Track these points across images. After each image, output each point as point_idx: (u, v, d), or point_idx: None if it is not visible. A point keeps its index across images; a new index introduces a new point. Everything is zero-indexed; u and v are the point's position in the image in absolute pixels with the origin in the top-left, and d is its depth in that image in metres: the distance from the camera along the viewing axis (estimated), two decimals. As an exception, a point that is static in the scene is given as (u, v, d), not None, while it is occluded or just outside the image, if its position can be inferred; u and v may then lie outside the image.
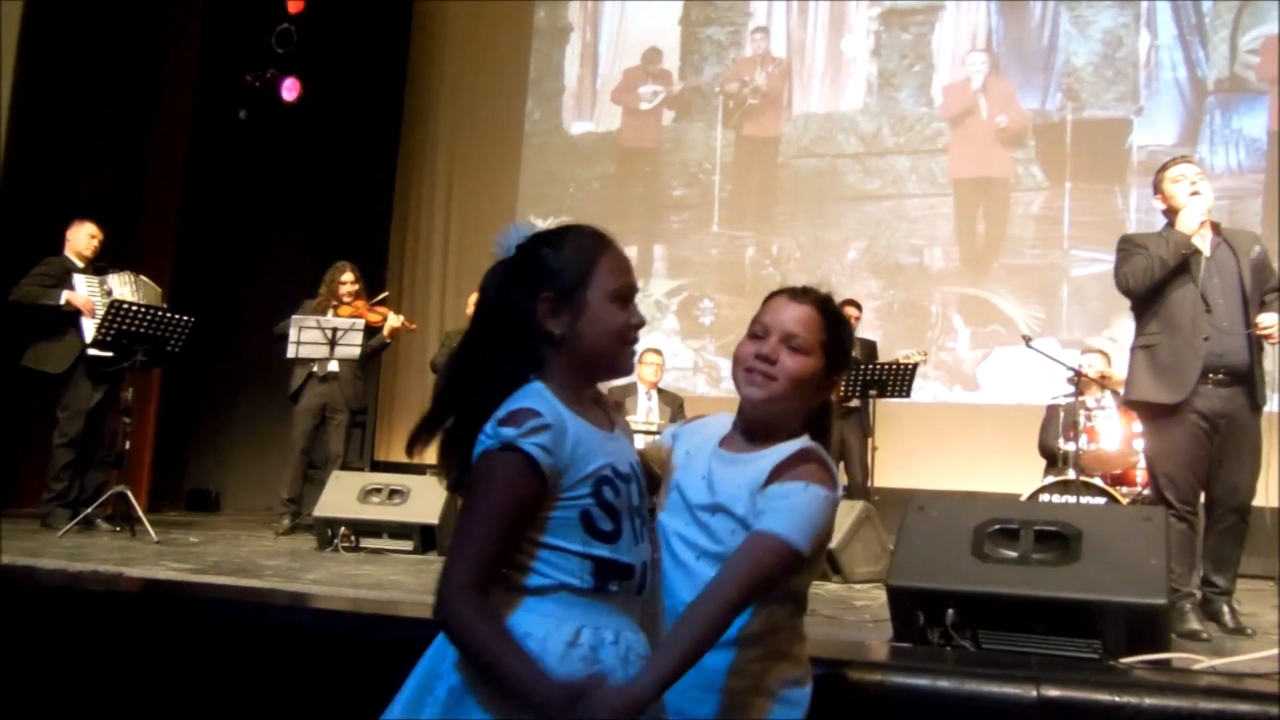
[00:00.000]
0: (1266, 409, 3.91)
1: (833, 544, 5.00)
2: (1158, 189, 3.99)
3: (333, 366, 6.23)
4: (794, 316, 1.72)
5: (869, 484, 6.65)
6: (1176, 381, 3.76)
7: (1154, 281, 3.80)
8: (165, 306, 6.01)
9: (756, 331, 1.73)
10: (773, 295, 1.79)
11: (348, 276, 6.40)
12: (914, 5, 8.16)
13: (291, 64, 8.37)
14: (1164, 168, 3.97)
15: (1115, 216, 7.48)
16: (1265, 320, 3.74)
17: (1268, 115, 7.33)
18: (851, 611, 4.04)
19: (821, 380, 1.74)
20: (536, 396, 1.48)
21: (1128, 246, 3.97)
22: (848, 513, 5.21)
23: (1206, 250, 3.86)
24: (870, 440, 6.74)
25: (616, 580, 1.51)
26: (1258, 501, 5.87)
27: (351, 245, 7.79)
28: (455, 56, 9.27)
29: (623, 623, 1.53)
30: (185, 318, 5.74)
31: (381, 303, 6.68)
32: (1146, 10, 7.64)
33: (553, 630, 1.45)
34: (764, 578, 1.56)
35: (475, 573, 1.41)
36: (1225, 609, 3.90)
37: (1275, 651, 2.67)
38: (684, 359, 8.23)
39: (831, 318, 1.76)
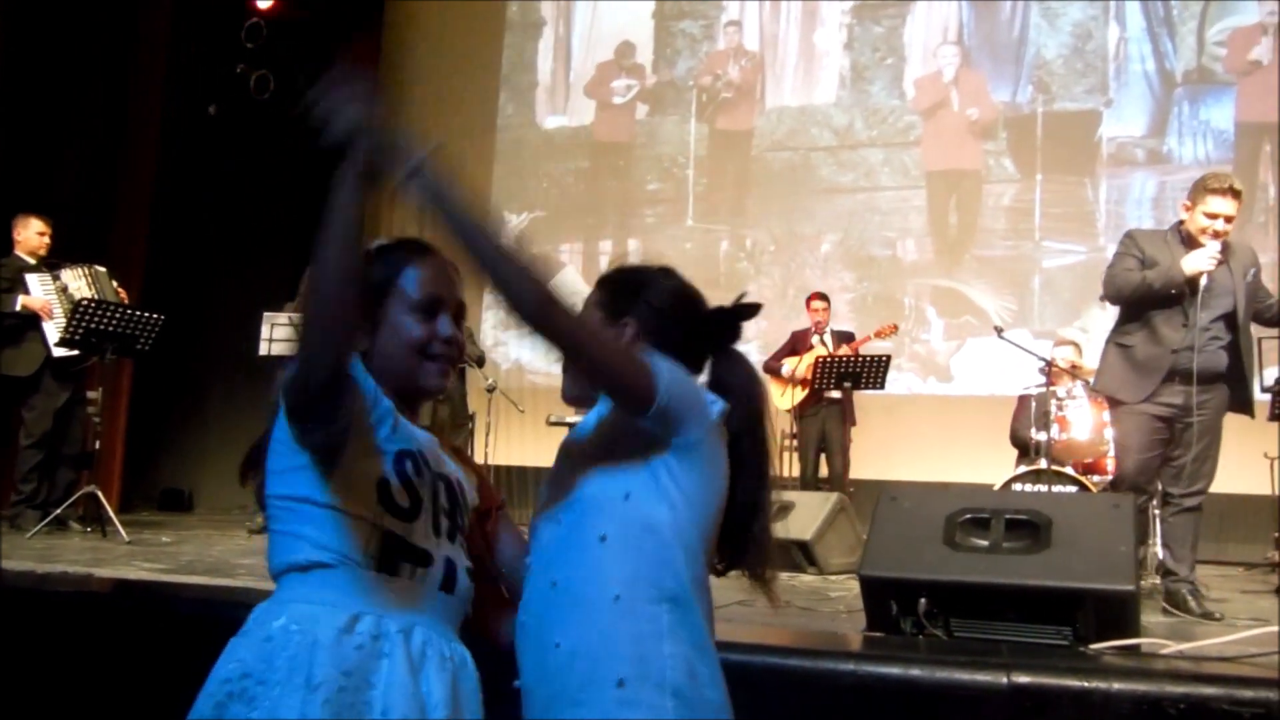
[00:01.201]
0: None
1: (808, 535, 5.04)
2: (1193, 199, 4.03)
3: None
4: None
5: (847, 475, 6.68)
6: (1142, 384, 4.03)
7: (1139, 300, 4.02)
8: (123, 299, 5.94)
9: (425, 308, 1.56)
10: None
11: None
12: (886, -2, 8.19)
13: (262, 59, 8.29)
14: (1206, 190, 3.99)
15: (1085, 208, 7.55)
16: None
17: (1234, 106, 7.41)
18: (826, 603, 4.06)
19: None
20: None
21: (1126, 248, 4.12)
22: (822, 504, 5.25)
23: (1207, 274, 3.97)
24: (851, 430, 6.77)
25: (409, 562, 1.40)
26: (1242, 490, 5.99)
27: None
28: (428, 51, 9.22)
29: (418, 618, 1.40)
30: (154, 315, 5.68)
31: None
32: (1115, 3, 7.70)
33: (323, 616, 1.34)
34: (611, 351, 1.46)
35: None
36: (1189, 596, 3.99)
37: (1240, 636, 2.70)
38: (659, 353, 8.23)
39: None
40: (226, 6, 8.24)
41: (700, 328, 1.58)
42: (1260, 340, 3.93)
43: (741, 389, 1.58)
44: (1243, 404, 4.12)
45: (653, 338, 1.54)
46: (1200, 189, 4.04)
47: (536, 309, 1.40)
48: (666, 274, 1.61)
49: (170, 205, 8.25)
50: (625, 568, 1.43)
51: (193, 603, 3.05)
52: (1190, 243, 4.01)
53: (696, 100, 8.53)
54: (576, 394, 1.62)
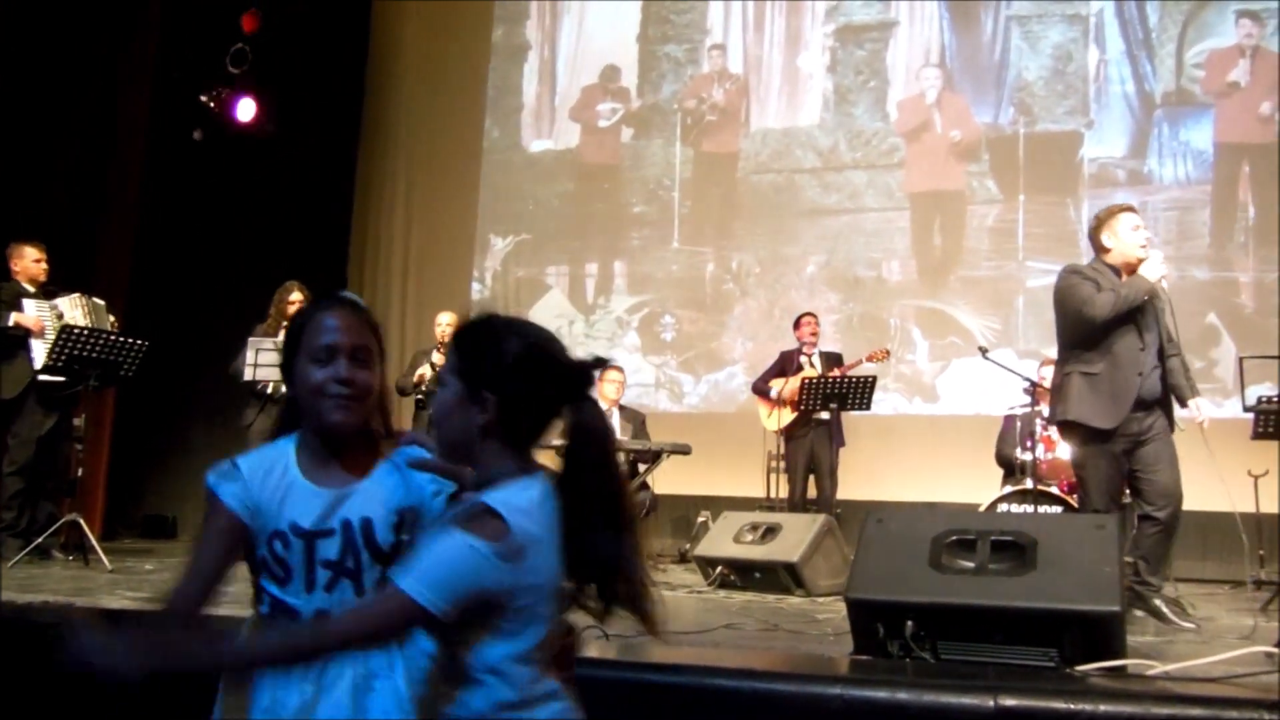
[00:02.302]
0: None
1: (794, 557, 5.04)
2: (1103, 229, 4.22)
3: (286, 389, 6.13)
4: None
5: (835, 496, 6.68)
6: (1114, 410, 4.08)
7: (1116, 317, 4.06)
8: (116, 330, 5.92)
9: (321, 357, 1.68)
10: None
11: (296, 296, 6.32)
12: (868, 21, 8.26)
13: (247, 84, 8.31)
14: (1115, 213, 4.23)
15: (1068, 228, 7.60)
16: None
17: (1213, 127, 7.49)
18: (814, 625, 4.05)
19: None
20: (263, 450, 1.71)
21: (1077, 277, 4.19)
22: (809, 526, 5.24)
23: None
24: (839, 451, 6.78)
25: (285, 616, 1.65)
26: (1225, 508, 6.02)
27: (310, 266, 7.72)
28: (413, 75, 9.26)
29: None
30: (139, 342, 5.65)
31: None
32: (1095, 25, 7.78)
33: None
34: (369, 624, 1.49)
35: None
36: (1161, 604, 4.07)
37: (1226, 656, 2.71)
38: (645, 375, 8.24)
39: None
40: (213, 32, 8.26)
41: (557, 384, 1.57)
42: (1241, 360, 3.97)
43: (592, 436, 1.56)
44: (1170, 426, 4.26)
45: (510, 404, 1.54)
46: (1108, 216, 4.24)
47: (301, 657, 1.54)
48: (520, 333, 1.59)
49: (155, 230, 8.24)
50: None
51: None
52: (1121, 272, 4.16)
53: (681, 123, 8.58)
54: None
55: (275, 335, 6.14)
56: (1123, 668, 2.69)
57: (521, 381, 1.54)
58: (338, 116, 8.97)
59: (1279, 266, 7.18)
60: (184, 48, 8.32)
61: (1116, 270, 4.18)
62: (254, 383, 6.00)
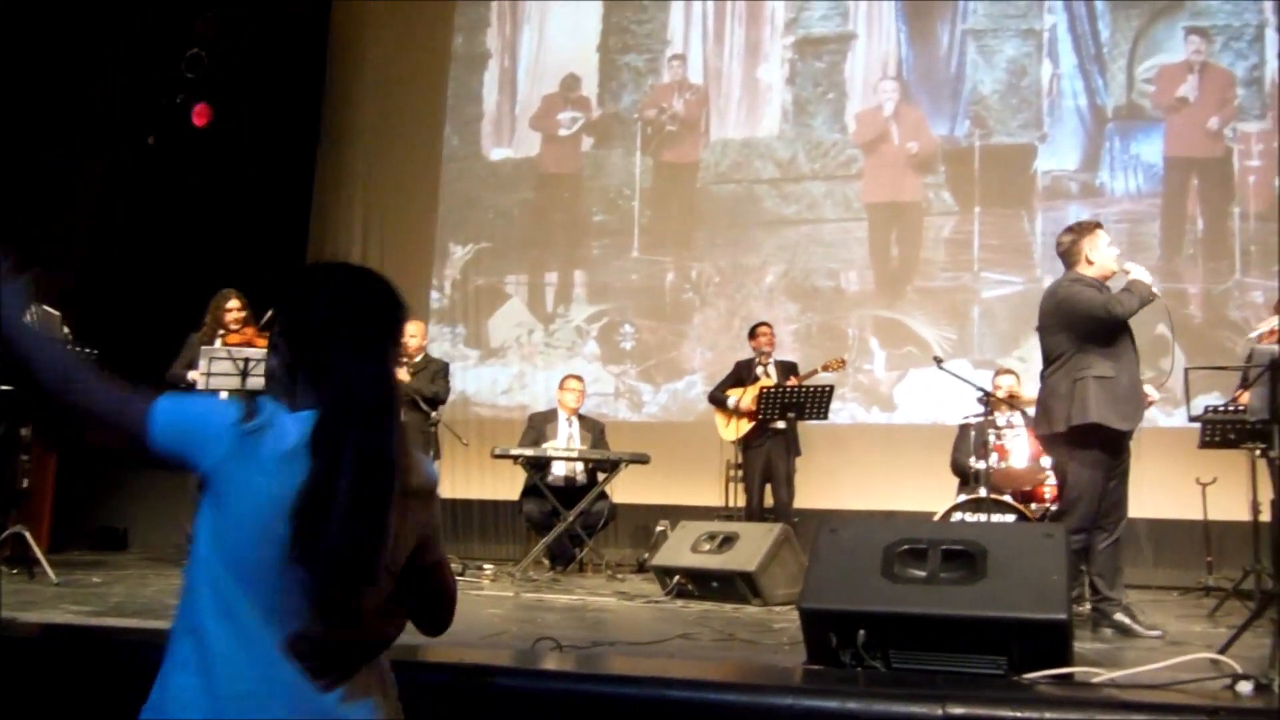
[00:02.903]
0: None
1: (751, 567, 5.05)
2: (1084, 242, 4.34)
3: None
4: None
5: (792, 505, 6.72)
6: (1132, 412, 4.20)
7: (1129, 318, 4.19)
8: (67, 335, 5.81)
9: None
10: None
11: (233, 304, 6.26)
12: (827, 34, 8.33)
13: (203, 89, 8.21)
14: (1093, 229, 4.38)
15: (1022, 240, 7.70)
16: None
17: (1163, 141, 7.63)
18: (769, 634, 4.06)
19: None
20: None
21: (1080, 285, 4.28)
22: (766, 536, 5.26)
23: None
24: (795, 460, 6.81)
25: None
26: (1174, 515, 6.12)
27: (265, 275, 7.62)
28: (372, 82, 9.20)
29: None
30: (88, 350, 5.55)
31: (270, 326, 6.50)
32: (1048, 40, 7.90)
33: None
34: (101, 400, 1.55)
35: None
36: (1124, 617, 4.12)
37: (1171, 662, 2.74)
38: (605, 384, 8.23)
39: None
40: (167, 37, 8.15)
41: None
42: (1187, 371, 4.05)
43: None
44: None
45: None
46: (1087, 231, 4.37)
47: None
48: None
49: (108, 238, 8.10)
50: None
51: (121, 646, 2.96)
52: (1101, 282, 4.29)
53: (642, 133, 8.59)
54: None
55: (211, 343, 6.07)
56: (1070, 675, 2.72)
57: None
58: (295, 123, 8.89)
59: (1227, 278, 7.34)
60: (138, 51, 8.20)
61: (1096, 280, 4.29)
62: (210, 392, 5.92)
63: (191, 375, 5.88)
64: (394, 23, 9.17)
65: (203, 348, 5.94)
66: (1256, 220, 7.38)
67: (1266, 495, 4.61)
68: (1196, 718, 2.18)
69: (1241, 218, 7.41)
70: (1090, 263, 4.32)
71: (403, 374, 6.46)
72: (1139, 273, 4.25)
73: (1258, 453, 4.96)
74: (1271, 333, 4.46)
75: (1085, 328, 4.22)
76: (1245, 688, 2.53)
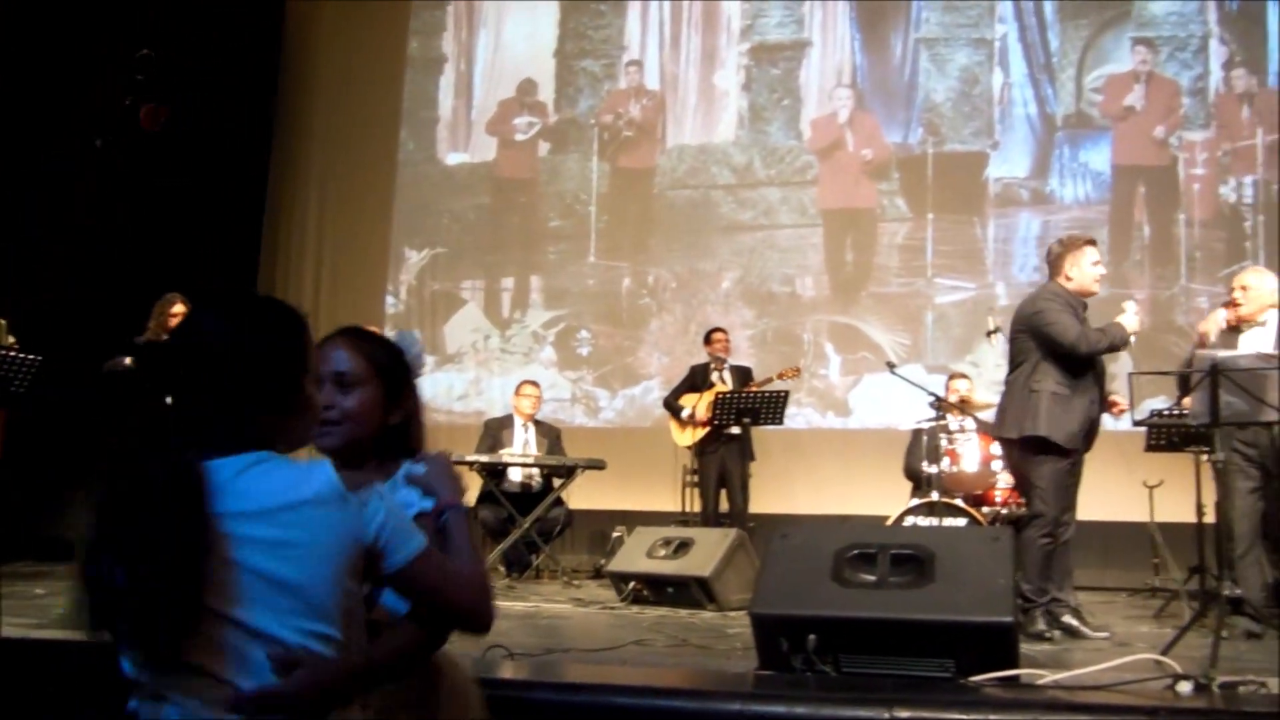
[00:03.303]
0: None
1: (706, 572, 5.05)
2: (1068, 257, 4.41)
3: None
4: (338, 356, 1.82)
5: (748, 510, 6.74)
6: (1080, 435, 4.29)
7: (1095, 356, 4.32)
8: (16, 349, 5.69)
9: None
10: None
11: (179, 308, 6.18)
12: (782, 41, 8.39)
13: (153, 91, 8.08)
14: (1080, 245, 4.44)
15: (974, 246, 7.80)
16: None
17: (1111, 150, 7.76)
18: (723, 640, 4.06)
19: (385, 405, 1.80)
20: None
21: (1058, 303, 4.34)
22: (721, 541, 5.26)
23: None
24: (750, 465, 6.84)
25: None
26: (1122, 517, 6.22)
27: (217, 279, 7.54)
28: (327, 86, 9.12)
29: None
30: (31, 357, 5.45)
31: None
32: (999, 49, 8.01)
33: None
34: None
35: None
36: (1073, 619, 4.20)
37: (1115, 663, 2.78)
38: (561, 390, 8.21)
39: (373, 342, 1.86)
40: (117, 38, 8.02)
41: None
42: (1131, 376, 4.14)
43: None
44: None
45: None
46: (1074, 246, 4.42)
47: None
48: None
49: (56, 243, 7.95)
50: None
51: (62, 660, 2.90)
52: (1080, 299, 4.38)
53: (598, 138, 8.59)
54: None
55: None
56: (1016, 677, 2.75)
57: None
58: (248, 126, 8.78)
59: (1173, 284, 7.48)
60: (86, 51, 8.06)
61: (1075, 295, 4.38)
62: None
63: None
64: (348, 26, 9.10)
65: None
66: (1201, 227, 7.54)
67: (1211, 497, 4.70)
68: (1137, 718, 2.21)
69: (1187, 224, 7.57)
70: (1069, 278, 4.40)
71: None
72: (1127, 319, 4.31)
73: (1203, 456, 5.05)
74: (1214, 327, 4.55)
75: (1049, 346, 4.31)
76: (1185, 688, 2.57)
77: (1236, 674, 2.91)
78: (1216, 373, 3.62)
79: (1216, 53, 7.72)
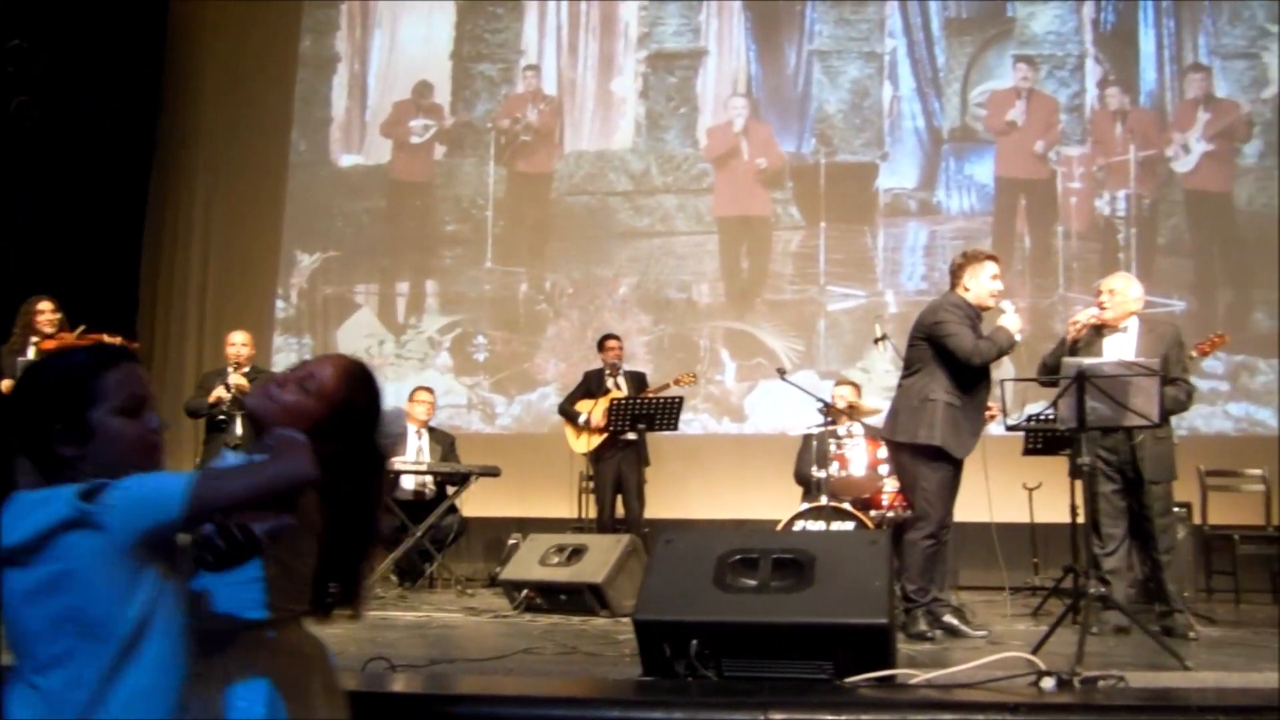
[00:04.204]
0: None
1: (599, 578, 5.05)
2: (968, 268, 4.56)
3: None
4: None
5: (643, 516, 6.76)
6: (971, 443, 4.48)
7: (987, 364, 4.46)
8: None
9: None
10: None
11: (45, 305, 5.95)
12: (679, 49, 8.45)
13: (26, 84, 7.72)
14: (981, 259, 4.59)
15: (865, 255, 7.98)
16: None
17: (994, 163, 8.03)
18: (613, 646, 4.06)
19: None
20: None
21: (957, 314, 4.46)
22: (614, 547, 5.27)
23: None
24: (645, 471, 6.86)
25: None
26: (1005, 519, 6.41)
27: (96, 283, 7.25)
28: (214, 83, 8.85)
29: None
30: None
31: (90, 332, 6.17)
32: (889, 63, 8.22)
33: None
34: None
35: None
36: (953, 619, 4.32)
37: (986, 661, 2.87)
38: (457, 396, 8.12)
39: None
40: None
41: None
42: (1003, 382, 4.29)
43: None
44: None
45: None
46: (976, 260, 4.56)
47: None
48: None
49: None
50: None
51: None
52: (976, 310, 4.52)
53: (495, 142, 8.53)
54: None
55: (24, 352, 5.76)
56: (891, 677, 2.81)
57: None
58: (129, 123, 8.46)
59: (1052, 293, 7.77)
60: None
61: (973, 308, 4.51)
62: None
63: None
64: (237, 22, 8.84)
65: (18, 360, 5.61)
66: (1078, 239, 7.86)
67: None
68: (1000, 714, 2.28)
69: (1065, 236, 7.87)
70: (967, 289, 4.54)
71: (242, 380, 6.22)
72: (1008, 320, 4.46)
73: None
74: (1083, 327, 4.72)
75: (946, 356, 4.43)
76: (1049, 684, 2.66)
77: (1102, 669, 3.03)
78: (1083, 379, 3.76)
79: (1092, 71, 8.06)
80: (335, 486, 1.80)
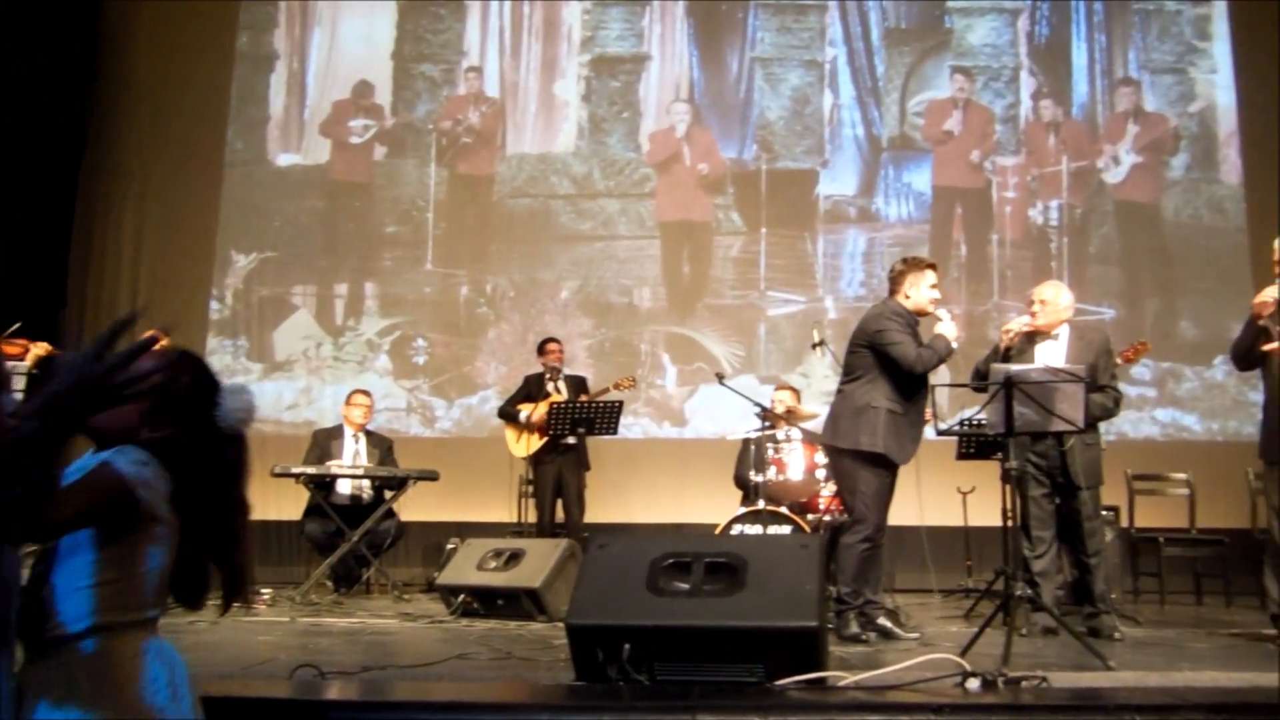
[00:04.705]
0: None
1: (536, 583, 5.03)
2: (908, 277, 4.62)
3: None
4: None
5: (583, 520, 6.74)
6: (911, 449, 4.53)
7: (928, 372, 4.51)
8: None
9: None
10: None
11: None
12: (622, 54, 8.47)
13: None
14: (921, 268, 4.65)
15: (805, 260, 8.05)
16: None
17: (931, 171, 8.16)
18: (548, 651, 4.04)
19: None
20: None
21: (898, 322, 4.53)
22: (552, 551, 5.25)
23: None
24: (585, 475, 6.85)
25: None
26: (939, 522, 6.50)
27: (23, 281, 7.07)
28: (148, 80, 8.65)
29: None
30: None
31: (16, 335, 6.00)
32: (830, 72, 8.32)
33: None
34: None
35: None
36: (887, 621, 4.39)
37: (914, 662, 2.90)
38: (397, 399, 8.04)
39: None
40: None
41: None
42: (935, 387, 4.36)
43: None
44: None
45: None
46: (916, 268, 4.63)
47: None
48: None
49: None
50: None
51: None
52: (915, 318, 4.59)
53: (436, 144, 8.47)
54: None
55: None
56: (821, 679, 2.83)
57: None
58: (58, 119, 8.25)
59: (987, 300, 7.91)
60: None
61: (912, 315, 4.58)
62: None
63: None
64: (172, 16, 8.66)
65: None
66: (1012, 247, 8.02)
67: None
68: (925, 715, 2.31)
69: (999, 244, 8.03)
70: (907, 297, 4.61)
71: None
72: (945, 327, 4.54)
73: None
74: (1015, 334, 4.81)
75: (888, 364, 4.49)
76: (974, 685, 2.71)
77: (1028, 669, 3.09)
78: (1010, 385, 3.83)
79: (1026, 83, 8.23)
80: (180, 471, 1.78)
